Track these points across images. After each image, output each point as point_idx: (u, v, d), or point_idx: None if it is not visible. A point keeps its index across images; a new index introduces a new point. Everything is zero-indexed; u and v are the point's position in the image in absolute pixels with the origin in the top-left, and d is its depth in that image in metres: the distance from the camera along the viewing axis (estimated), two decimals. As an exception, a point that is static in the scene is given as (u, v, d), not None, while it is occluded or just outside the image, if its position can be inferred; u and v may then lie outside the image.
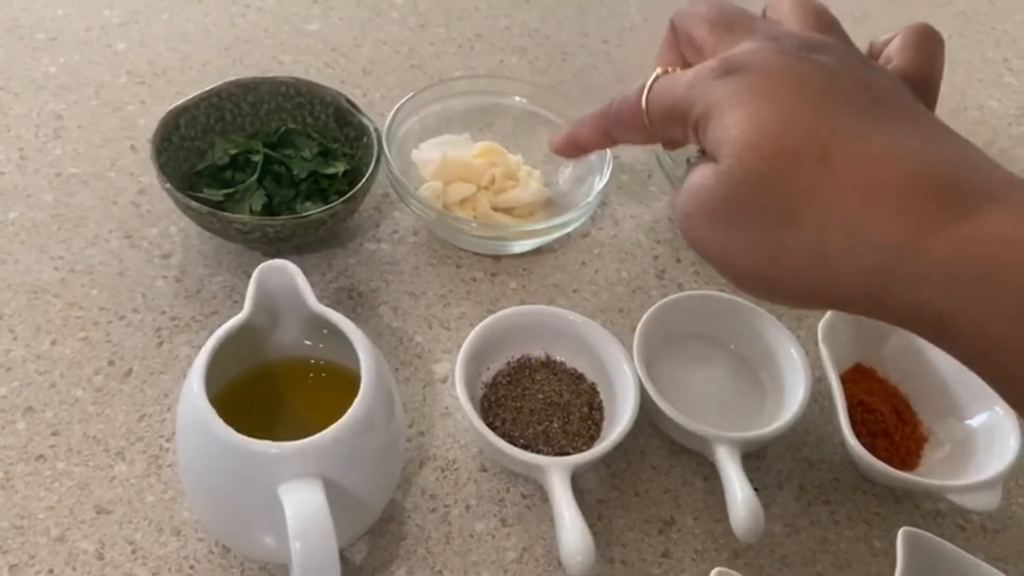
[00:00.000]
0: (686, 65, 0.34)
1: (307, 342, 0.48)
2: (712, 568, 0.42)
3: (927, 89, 0.33)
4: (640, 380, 0.51)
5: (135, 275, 0.58)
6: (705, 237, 0.31)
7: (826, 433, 0.55)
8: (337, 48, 0.77)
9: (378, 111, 0.69)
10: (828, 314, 0.55)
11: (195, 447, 0.41)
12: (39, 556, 0.45)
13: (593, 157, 0.64)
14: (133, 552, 0.46)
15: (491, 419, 0.52)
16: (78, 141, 0.66)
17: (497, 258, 0.62)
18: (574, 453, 0.49)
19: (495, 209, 0.63)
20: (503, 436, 0.49)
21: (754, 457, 0.53)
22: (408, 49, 0.78)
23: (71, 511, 0.47)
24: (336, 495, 0.39)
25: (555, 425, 0.51)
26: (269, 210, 0.57)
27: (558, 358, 0.55)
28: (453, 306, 0.59)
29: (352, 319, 0.44)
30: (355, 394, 0.41)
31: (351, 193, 0.56)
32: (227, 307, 0.57)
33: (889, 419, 0.53)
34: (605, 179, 0.61)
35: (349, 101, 0.62)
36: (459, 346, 0.52)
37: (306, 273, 0.46)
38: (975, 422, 0.52)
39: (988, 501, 0.48)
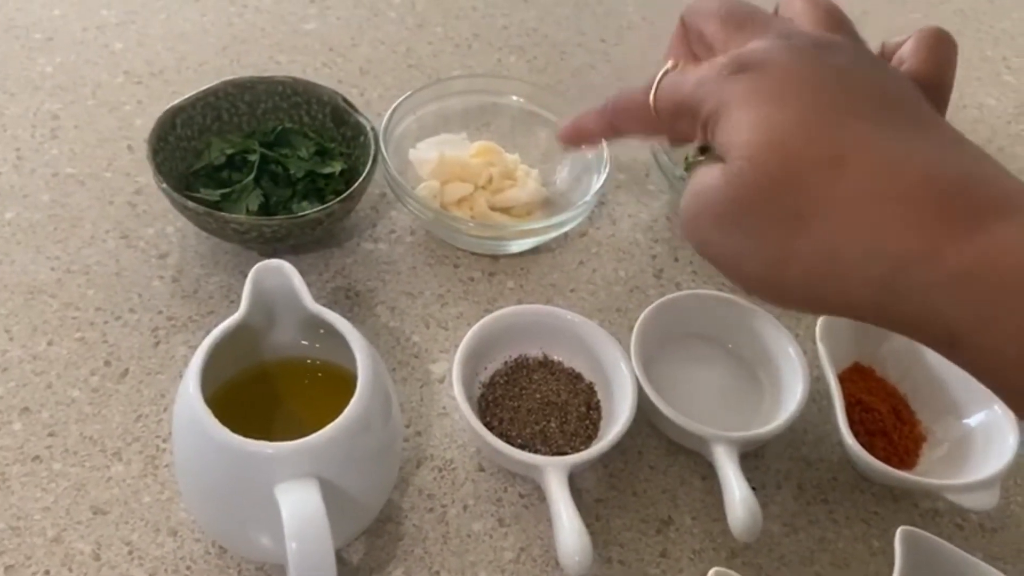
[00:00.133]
0: (696, 61, 0.34)
1: (304, 342, 0.48)
2: (710, 567, 0.42)
3: (939, 93, 0.33)
4: (638, 380, 0.51)
5: (131, 275, 0.58)
6: (711, 239, 0.30)
7: (824, 432, 0.55)
8: (334, 48, 0.77)
9: (375, 111, 0.68)
10: (826, 313, 0.55)
11: (191, 447, 0.41)
12: (35, 557, 0.45)
13: (591, 156, 0.64)
14: (129, 553, 0.46)
15: (488, 419, 0.51)
16: (75, 141, 0.66)
17: (495, 258, 0.62)
18: (572, 453, 0.49)
19: (492, 209, 0.63)
20: (500, 436, 0.49)
21: (752, 456, 0.53)
22: (405, 48, 0.78)
23: (67, 512, 0.47)
24: (333, 495, 0.39)
25: (553, 425, 0.51)
26: (266, 210, 0.57)
27: (556, 358, 0.55)
28: (450, 306, 0.59)
29: (349, 319, 0.44)
30: (352, 394, 0.41)
31: (348, 193, 0.56)
32: (224, 307, 0.56)
33: (887, 418, 0.53)
34: (603, 178, 0.61)
35: (346, 101, 0.62)
36: (456, 346, 0.52)
37: (303, 273, 0.46)
38: (973, 421, 0.52)
39: (986, 500, 0.48)
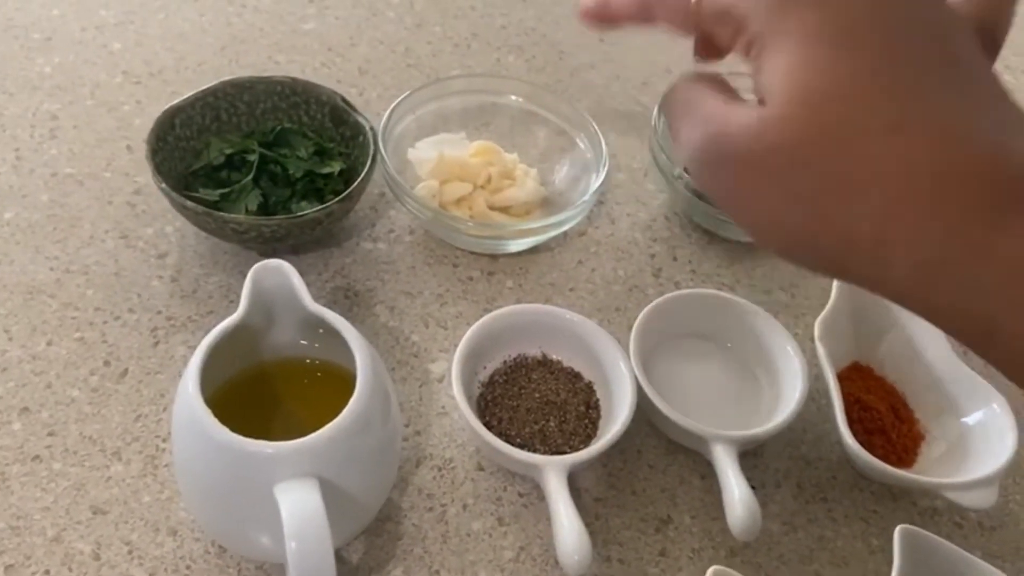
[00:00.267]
0: None
1: (303, 342, 0.48)
2: (709, 566, 0.42)
3: (992, 42, 0.31)
4: (637, 379, 0.51)
5: (131, 275, 0.58)
6: (732, 187, 0.27)
7: (823, 431, 0.55)
8: (333, 47, 0.77)
9: (374, 110, 0.68)
10: (825, 312, 0.55)
11: (191, 447, 0.41)
12: (35, 557, 0.45)
13: (589, 155, 0.64)
14: (129, 552, 0.46)
15: (488, 418, 0.51)
16: (74, 141, 0.66)
17: (494, 257, 0.62)
18: (571, 452, 0.49)
19: (491, 208, 0.63)
20: (500, 435, 0.49)
21: (751, 455, 0.53)
22: (404, 48, 0.78)
23: (67, 511, 0.47)
24: (332, 495, 0.39)
25: (552, 424, 0.51)
26: (265, 210, 0.57)
27: (555, 357, 0.55)
28: (450, 305, 0.59)
29: (348, 319, 0.44)
30: (351, 394, 0.41)
31: (347, 192, 0.56)
32: (223, 307, 0.57)
33: (886, 417, 0.53)
34: (601, 178, 0.61)
35: (345, 100, 0.62)
36: (455, 345, 0.52)
37: (302, 273, 0.46)
38: (972, 420, 0.52)
39: (985, 498, 0.48)
